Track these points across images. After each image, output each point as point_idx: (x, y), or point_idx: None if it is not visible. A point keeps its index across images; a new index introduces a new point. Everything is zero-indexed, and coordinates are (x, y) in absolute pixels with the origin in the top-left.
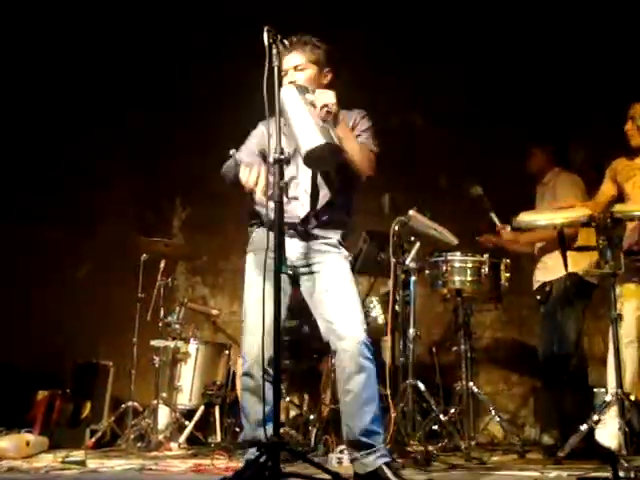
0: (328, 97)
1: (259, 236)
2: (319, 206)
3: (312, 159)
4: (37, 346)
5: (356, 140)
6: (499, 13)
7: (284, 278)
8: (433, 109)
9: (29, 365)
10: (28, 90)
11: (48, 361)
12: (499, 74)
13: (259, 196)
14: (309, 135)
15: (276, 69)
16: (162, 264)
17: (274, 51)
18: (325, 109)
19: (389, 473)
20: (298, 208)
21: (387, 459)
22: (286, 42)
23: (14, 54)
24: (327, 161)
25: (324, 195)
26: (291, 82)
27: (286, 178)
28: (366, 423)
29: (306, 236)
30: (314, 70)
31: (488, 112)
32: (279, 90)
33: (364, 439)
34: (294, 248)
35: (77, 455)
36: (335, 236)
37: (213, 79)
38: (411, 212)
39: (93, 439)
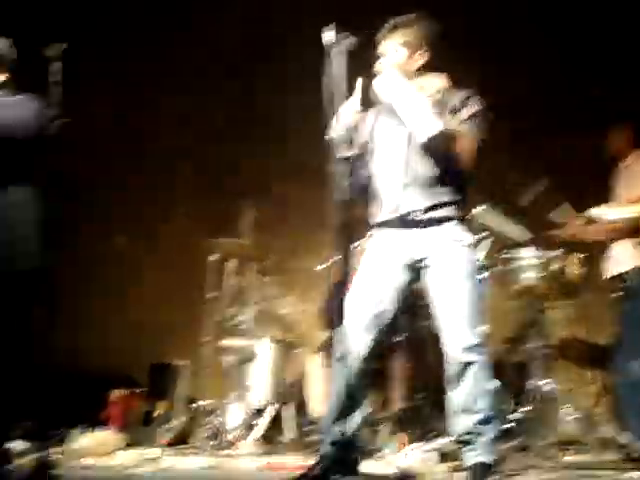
0: (440, 82)
1: (376, 233)
2: (429, 197)
3: (426, 148)
4: (112, 347)
5: (463, 125)
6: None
7: (398, 273)
8: (500, 102)
9: (105, 365)
10: (94, 88)
11: (123, 361)
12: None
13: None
14: (422, 123)
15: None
16: (231, 264)
17: (342, 48)
18: (437, 94)
19: (482, 474)
20: (409, 200)
21: (485, 459)
22: (354, 39)
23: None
24: (438, 149)
25: (433, 185)
26: (382, 65)
27: (390, 169)
28: (466, 422)
29: (423, 227)
30: (406, 52)
31: (558, 103)
32: (350, 81)
33: (465, 436)
34: (408, 241)
35: (152, 453)
36: (452, 226)
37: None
38: (480, 208)
39: (167, 437)
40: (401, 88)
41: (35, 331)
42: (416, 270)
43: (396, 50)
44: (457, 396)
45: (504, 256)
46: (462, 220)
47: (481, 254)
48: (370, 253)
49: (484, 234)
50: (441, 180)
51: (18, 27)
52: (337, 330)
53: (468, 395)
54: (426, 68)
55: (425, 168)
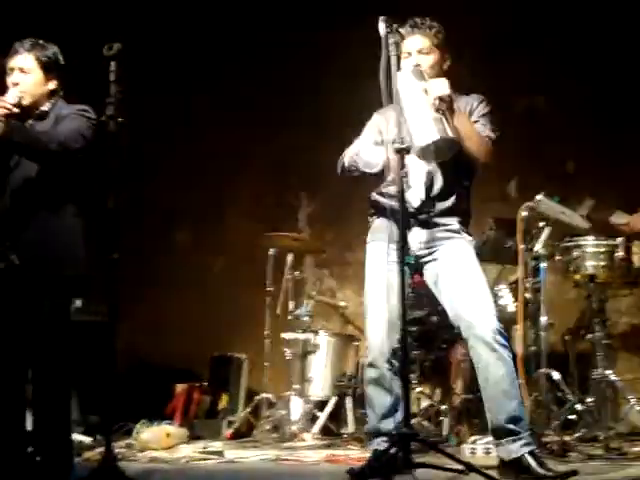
0: (442, 86)
1: (379, 226)
2: (435, 193)
3: (426, 153)
4: (174, 341)
5: (473, 127)
6: None
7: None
8: (558, 93)
9: (168, 359)
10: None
11: (185, 355)
12: (630, 56)
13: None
14: (423, 129)
15: (393, 59)
16: (290, 258)
17: (391, 41)
18: (438, 99)
19: (533, 463)
20: (413, 196)
21: (532, 447)
22: (403, 30)
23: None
24: (441, 154)
25: (440, 183)
26: (416, 65)
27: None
28: (510, 410)
29: (425, 224)
30: (437, 55)
31: (616, 95)
32: (396, 79)
33: (509, 426)
34: (414, 236)
35: (215, 446)
36: (455, 222)
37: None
38: (539, 197)
39: (230, 430)
40: (409, 91)
41: (100, 327)
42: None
43: (429, 51)
44: (493, 383)
45: (564, 245)
46: (466, 225)
47: (540, 243)
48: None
49: (543, 223)
50: (449, 183)
51: (78, 27)
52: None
53: (504, 380)
54: (448, 72)
55: (437, 175)
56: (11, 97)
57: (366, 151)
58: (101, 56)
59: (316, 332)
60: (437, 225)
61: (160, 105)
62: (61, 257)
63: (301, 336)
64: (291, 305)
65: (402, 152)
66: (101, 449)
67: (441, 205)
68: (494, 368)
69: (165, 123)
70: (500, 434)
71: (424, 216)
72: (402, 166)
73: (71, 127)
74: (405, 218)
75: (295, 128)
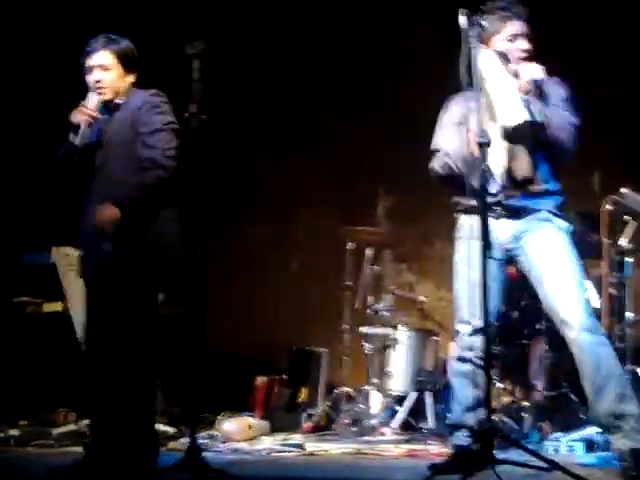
0: (535, 71)
1: (466, 223)
2: (520, 179)
3: (513, 134)
4: (255, 333)
5: (561, 113)
6: None
7: (493, 264)
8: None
9: (248, 352)
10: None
11: (265, 348)
12: None
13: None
14: (511, 110)
15: (473, 51)
16: (368, 252)
17: (472, 32)
18: (532, 83)
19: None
20: (494, 183)
21: (634, 443)
22: (484, 23)
23: None
24: (527, 137)
25: (523, 168)
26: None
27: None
28: (607, 404)
29: (515, 213)
30: (526, 40)
31: None
32: (477, 70)
33: (609, 420)
34: (503, 228)
35: (295, 438)
36: (546, 207)
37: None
38: (624, 190)
39: (310, 423)
40: (495, 71)
41: (182, 320)
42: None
43: (521, 37)
44: (591, 377)
45: None
46: (560, 209)
47: (625, 238)
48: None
49: (628, 217)
50: (538, 168)
51: (161, 26)
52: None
53: (602, 374)
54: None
55: (521, 157)
56: (91, 102)
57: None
58: (183, 54)
59: (395, 327)
60: (526, 213)
61: (244, 97)
62: (156, 255)
63: (380, 330)
64: (370, 299)
65: (484, 146)
66: (184, 439)
67: (528, 189)
68: (587, 366)
69: (240, 117)
70: (603, 429)
71: (511, 201)
72: (483, 160)
73: (154, 153)
74: (485, 212)
75: (375, 121)
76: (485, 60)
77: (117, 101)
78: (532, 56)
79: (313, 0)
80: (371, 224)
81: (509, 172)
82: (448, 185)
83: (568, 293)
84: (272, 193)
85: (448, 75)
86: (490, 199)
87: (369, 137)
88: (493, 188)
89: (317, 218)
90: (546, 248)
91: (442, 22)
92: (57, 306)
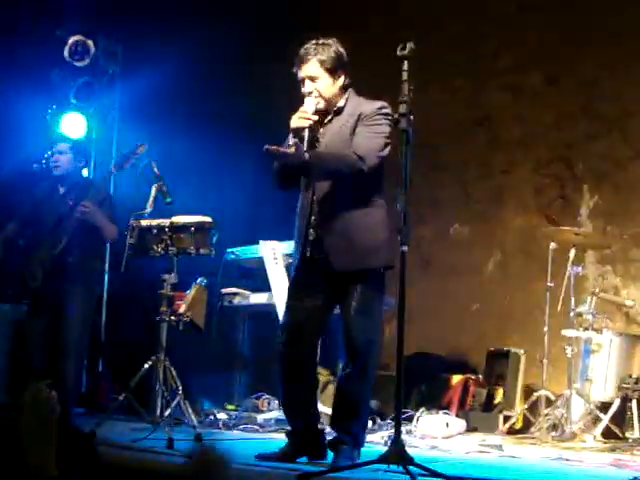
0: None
1: None
2: None
3: None
4: (451, 332)
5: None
6: None
7: None
8: None
9: (444, 350)
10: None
11: (462, 346)
12: None
13: None
14: None
15: None
16: (571, 253)
17: None
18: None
19: None
20: None
21: None
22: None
23: None
24: None
25: None
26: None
27: None
28: None
29: None
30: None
31: None
32: None
33: None
34: None
35: (493, 440)
36: None
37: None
38: None
39: (507, 425)
40: None
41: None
42: None
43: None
44: None
45: None
46: None
47: None
48: None
49: None
50: None
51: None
52: None
53: None
54: None
55: None
56: (309, 107)
57: None
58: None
59: (599, 331)
60: None
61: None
62: (367, 251)
63: (583, 334)
64: (572, 302)
65: None
66: (383, 433)
67: None
68: None
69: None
70: None
71: None
72: None
73: (370, 146)
74: None
75: (576, 119)
76: None
77: (339, 105)
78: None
79: None
80: (573, 224)
81: None
82: None
83: None
84: (475, 189)
85: None
86: None
87: (573, 135)
88: None
89: (518, 216)
90: None
91: None
92: (263, 297)
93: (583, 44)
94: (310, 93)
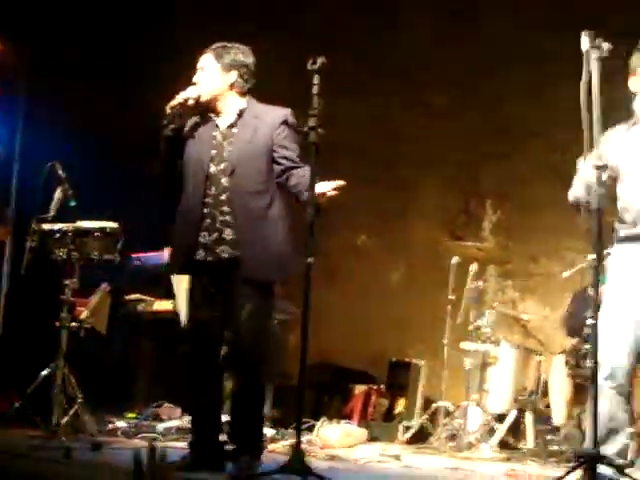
0: None
1: (620, 252)
2: None
3: None
4: (353, 342)
5: None
6: None
7: None
8: None
9: (346, 360)
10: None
11: (364, 357)
12: None
13: None
14: None
15: (594, 75)
16: (473, 267)
17: (593, 56)
18: None
19: None
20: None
21: None
22: (608, 46)
23: None
24: None
25: None
26: None
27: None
28: None
29: None
30: None
31: None
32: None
33: None
34: None
35: (392, 449)
36: None
37: None
38: None
39: (407, 435)
40: None
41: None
42: None
43: None
44: None
45: None
46: None
47: None
48: (620, 268)
49: None
50: None
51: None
52: (599, 347)
53: None
54: None
55: None
56: (185, 93)
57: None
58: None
59: (497, 343)
60: None
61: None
62: (273, 261)
63: (481, 347)
64: (472, 315)
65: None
66: (284, 442)
67: None
68: None
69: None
70: None
71: None
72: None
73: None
74: (598, 232)
75: (486, 136)
76: None
77: (241, 107)
78: None
79: None
80: (476, 238)
81: None
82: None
83: None
84: (376, 200)
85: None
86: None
87: (480, 151)
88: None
89: (422, 230)
90: None
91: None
92: (167, 305)
93: (486, 71)
94: (195, 83)
